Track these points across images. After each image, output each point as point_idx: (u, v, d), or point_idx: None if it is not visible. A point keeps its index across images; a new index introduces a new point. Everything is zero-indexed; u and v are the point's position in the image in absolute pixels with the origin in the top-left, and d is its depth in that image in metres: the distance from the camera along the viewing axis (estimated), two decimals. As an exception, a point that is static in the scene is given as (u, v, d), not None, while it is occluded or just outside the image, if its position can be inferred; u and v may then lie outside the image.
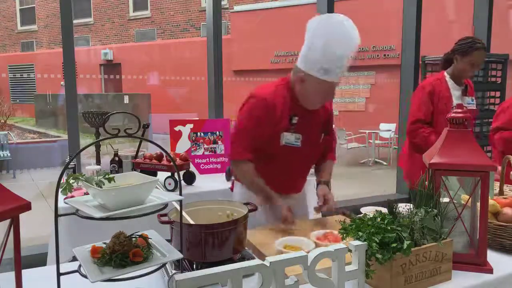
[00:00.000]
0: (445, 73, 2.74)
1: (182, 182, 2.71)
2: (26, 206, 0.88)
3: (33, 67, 16.11)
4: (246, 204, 1.45)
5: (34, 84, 15.89)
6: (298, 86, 1.71)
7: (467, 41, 2.61)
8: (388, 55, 10.98)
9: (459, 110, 1.37)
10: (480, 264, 1.32)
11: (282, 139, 1.73)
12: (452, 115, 1.37)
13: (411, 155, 2.83)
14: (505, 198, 1.62)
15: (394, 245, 1.12)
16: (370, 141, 8.99)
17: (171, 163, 2.52)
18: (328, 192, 1.81)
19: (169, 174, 2.60)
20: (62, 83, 3.17)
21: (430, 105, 2.65)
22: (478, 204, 1.33)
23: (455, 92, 2.71)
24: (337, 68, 1.62)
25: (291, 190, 1.92)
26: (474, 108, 2.84)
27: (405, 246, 1.12)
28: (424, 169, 1.38)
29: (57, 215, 0.98)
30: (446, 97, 2.66)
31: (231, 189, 2.07)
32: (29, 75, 16.16)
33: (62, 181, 1.03)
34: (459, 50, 2.62)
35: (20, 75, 16.49)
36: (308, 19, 1.71)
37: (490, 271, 1.31)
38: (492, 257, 1.39)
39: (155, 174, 2.59)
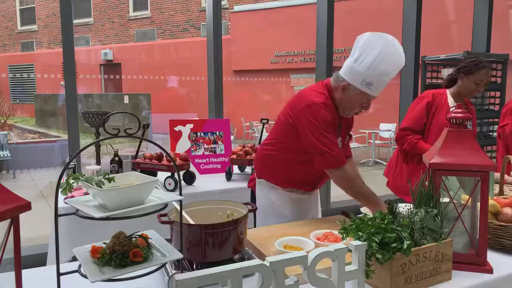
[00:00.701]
0: (448, 91, 2.71)
1: (182, 182, 2.71)
2: (26, 206, 0.88)
3: (33, 67, 16.12)
4: (246, 204, 1.45)
5: (34, 84, 15.89)
6: (339, 94, 1.78)
7: (472, 60, 2.60)
8: (388, 55, 10.97)
9: (459, 110, 1.37)
10: (480, 264, 1.32)
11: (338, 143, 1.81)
12: (452, 115, 1.38)
13: (397, 164, 2.86)
14: (505, 198, 1.62)
15: (394, 245, 1.12)
16: (370, 141, 8.99)
17: (171, 163, 2.52)
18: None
19: (169, 174, 2.60)
20: (62, 83, 3.17)
21: (424, 116, 2.64)
22: (478, 204, 1.33)
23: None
24: (380, 83, 1.70)
25: (316, 188, 2.06)
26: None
27: (405, 246, 1.12)
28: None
29: (57, 215, 0.98)
30: (446, 110, 2.65)
31: (252, 187, 2.10)
32: (29, 75, 16.17)
33: (62, 181, 1.03)
34: (465, 68, 2.61)
35: (20, 75, 16.50)
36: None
37: (490, 271, 1.31)
38: (492, 257, 1.39)
39: (155, 174, 2.59)
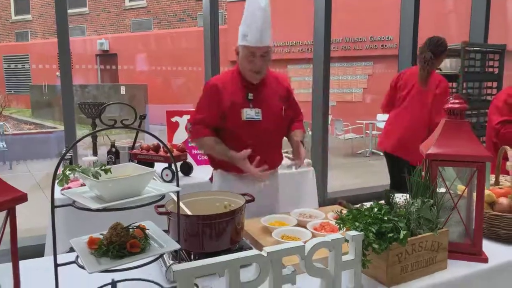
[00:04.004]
0: None
1: (180, 173, 2.71)
2: (23, 198, 0.88)
3: (28, 58, 15.96)
4: (244, 195, 1.45)
5: (29, 74, 15.75)
6: (237, 61, 1.93)
7: None
8: (385, 45, 10.94)
9: (456, 101, 1.37)
10: (475, 253, 1.34)
11: (243, 115, 1.90)
12: (449, 105, 1.37)
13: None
14: (500, 188, 1.63)
15: (390, 235, 1.13)
16: (367, 131, 9.01)
17: (168, 154, 2.52)
18: (301, 146, 1.98)
19: (166, 165, 2.60)
20: (58, 73, 3.14)
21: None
22: (474, 194, 1.34)
23: None
24: (252, 31, 1.82)
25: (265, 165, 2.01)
26: None
27: (401, 236, 1.13)
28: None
29: (53, 207, 0.98)
30: None
31: (210, 180, 2.16)
32: (24, 65, 16.01)
33: (58, 173, 1.02)
34: None
35: (15, 65, 16.34)
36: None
37: (485, 260, 1.32)
38: (488, 246, 1.40)
39: (152, 165, 2.59)
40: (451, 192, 1.34)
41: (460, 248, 1.34)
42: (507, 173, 1.85)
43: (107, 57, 15.38)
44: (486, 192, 1.47)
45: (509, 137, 2.56)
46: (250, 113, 1.90)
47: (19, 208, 0.89)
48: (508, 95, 2.70)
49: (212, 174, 2.16)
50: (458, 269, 1.28)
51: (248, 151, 1.81)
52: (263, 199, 1.86)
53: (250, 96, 1.92)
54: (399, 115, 3.14)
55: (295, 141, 2.02)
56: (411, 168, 1.47)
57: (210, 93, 1.93)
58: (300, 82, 12.26)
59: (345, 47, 11.47)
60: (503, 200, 1.50)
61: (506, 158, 1.62)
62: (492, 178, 1.78)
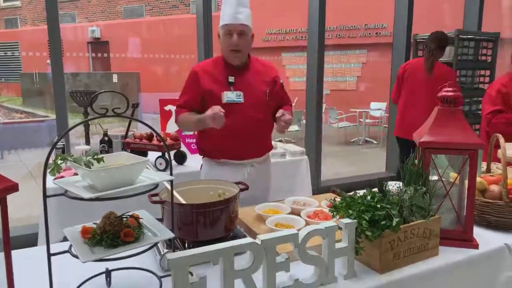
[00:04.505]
0: None
1: (173, 162, 2.70)
2: (14, 187, 0.87)
3: (17, 45, 15.66)
4: (238, 183, 1.45)
5: (20, 62, 15.48)
6: (220, 44, 1.95)
7: None
8: (380, 33, 10.89)
9: (450, 89, 1.37)
10: (466, 239, 1.36)
11: (223, 97, 1.88)
12: (443, 94, 1.38)
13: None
14: (492, 175, 1.65)
15: (383, 222, 1.14)
16: (361, 120, 9.03)
17: (162, 143, 2.51)
18: (286, 112, 1.90)
19: (159, 154, 2.59)
20: (49, 61, 3.09)
21: None
22: (466, 181, 1.35)
23: None
24: (227, 10, 1.85)
25: (251, 153, 1.99)
26: None
27: (394, 223, 1.14)
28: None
29: (45, 196, 0.97)
30: None
31: (201, 167, 2.13)
32: (14, 53, 15.72)
33: (50, 162, 1.01)
34: None
35: (4, 53, 16.04)
36: None
37: (476, 246, 1.34)
38: (479, 233, 1.42)
39: (145, 154, 2.58)
40: (444, 179, 1.35)
41: (452, 235, 1.36)
42: (499, 160, 1.88)
43: (98, 45, 15.15)
44: (478, 179, 1.49)
45: (500, 127, 2.58)
46: (230, 95, 1.88)
47: (12, 198, 0.88)
48: (501, 84, 2.71)
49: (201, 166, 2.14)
50: (449, 255, 1.30)
51: (217, 106, 1.75)
52: (253, 188, 1.74)
53: (231, 79, 1.91)
54: (410, 102, 3.42)
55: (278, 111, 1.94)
56: None
57: (190, 78, 1.97)
58: (295, 70, 12.21)
59: (339, 35, 11.41)
60: (494, 188, 1.51)
61: (497, 146, 1.63)
62: (484, 166, 1.79)
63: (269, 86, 1.98)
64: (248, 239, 1.01)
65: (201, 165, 2.11)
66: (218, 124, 1.73)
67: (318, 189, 4.03)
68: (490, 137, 2.59)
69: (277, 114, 1.87)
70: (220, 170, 1.95)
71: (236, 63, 1.94)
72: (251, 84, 1.94)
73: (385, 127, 8.27)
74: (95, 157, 1.02)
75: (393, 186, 1.34)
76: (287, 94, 2.13)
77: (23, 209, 3.58)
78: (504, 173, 1.44)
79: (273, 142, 2.27)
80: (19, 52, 15.56)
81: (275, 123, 1.97)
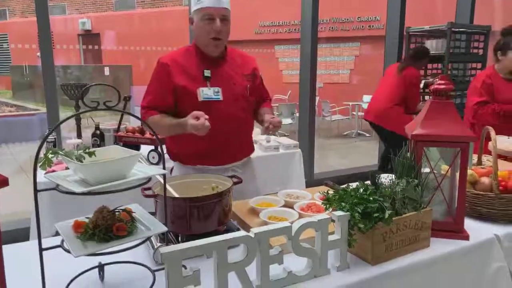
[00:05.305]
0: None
1: (166, 155, 2.69)
2: (4, 182, 0.85)
3: (6, 37, 15.42)
4: (231, 177, 1.45)
5: (9, 55, 15.26)
6: (194, 32, 1.73)
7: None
8: (372, 26, 10.90)
9: (442, 82, 1.38)
10: (457, 231, 1.37)
11: (200, 95, 1.67)
12: (435, 86, 1.38)
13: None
14: (483, 168, 1.66)
15: (376, 215, 1.15)
16: (354, 113, 9.06)
17: (154, 136, 2.49)
18: (273, 115, 1.76)
19: (152, 147, 2.57)
20: (39, 54, 3.04)
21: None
22: (457, 174, 1.37)
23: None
24: None
25: (232, 157, 1.81)
26: None
27: (386, 215, 1.15)
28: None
29: (36, 190, 0.96)
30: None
31: (171, 171, 1.92)
32: (3, 45, 15.47)
33: (41, 156, 1.00)
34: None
35: (-7, 45, 15.80)
36: None
37: (466, 238, 1.36)
38: (469, 224, 1.44)
39: (138, 148, 2.56)
40: (435, 172, 1.36)
41: (443, 226, 1.37)
42: (490, 153, 1.90)
43: (89, 37, 14.97)
44: (469, 171, 1.50)
45: (486, 118, 2.61)
46: (207, 92, 1.67)
47: (2, 192, 0.87)
48: (486, 76, 2.74)
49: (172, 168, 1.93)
50: (440, 246, 1.31)
51: (201, 113, 1.55)
52: (239, 196, 1.63)
53: (207, 73, 1.69)
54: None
55: (262, 111, 1.80)
56: None
57: (159, 72, 1.72)
58: (288, 63, 12.18)
59: (332, 27, 11.39)
60: (485, 180, 1.53)
61: (488, 139, 1.65)
62: (475, 158, 1.81)
63: (250, 80, 1.80)
64: (241, 232, 1.01)
65: (171, 169, 1.87)
66: (202, 133, 1.54)
67: (311, 182, 4.05)
68: (475, 129, 2.62)
69: (266, 118, 1.71)
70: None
71: (215, 54, 1.73)
72: (230, 79, 1.75)
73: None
74: (87, 151, 1.01)
75: (386, 178, 1.35)
76: (265, 88, 1.96)
77: (14, 203, 3.55)
78: (495, 165, 1.46)
79: (265, 136, 2.20)
80: (8, 45, 15.32)
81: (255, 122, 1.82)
